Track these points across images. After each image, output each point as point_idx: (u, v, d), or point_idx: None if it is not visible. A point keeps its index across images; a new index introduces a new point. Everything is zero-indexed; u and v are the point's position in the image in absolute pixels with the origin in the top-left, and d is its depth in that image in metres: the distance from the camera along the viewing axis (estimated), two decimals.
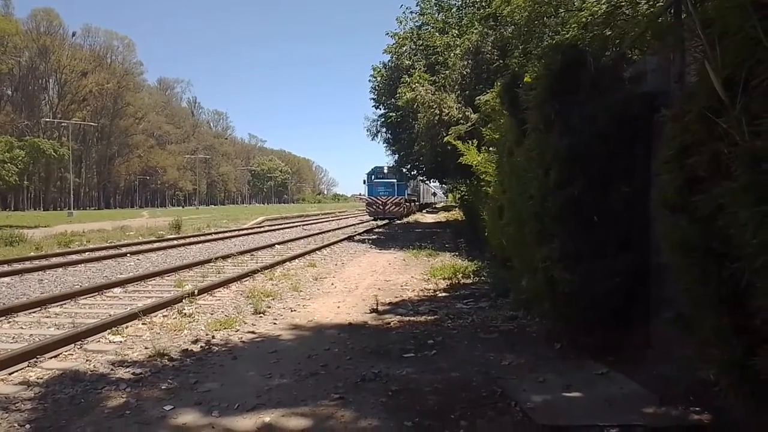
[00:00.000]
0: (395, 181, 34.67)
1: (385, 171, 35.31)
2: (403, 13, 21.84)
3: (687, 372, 3.57)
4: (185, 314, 7.14)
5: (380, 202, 35.10)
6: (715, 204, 2.43)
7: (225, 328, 6.39)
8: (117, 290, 9.12)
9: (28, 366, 4.96)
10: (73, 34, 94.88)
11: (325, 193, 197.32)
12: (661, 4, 5.76)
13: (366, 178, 36.56)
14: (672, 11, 4.45)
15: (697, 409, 3.47)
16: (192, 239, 20.05)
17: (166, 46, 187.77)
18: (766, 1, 2.19)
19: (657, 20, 5.16)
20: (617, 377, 4.22)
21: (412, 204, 43.15)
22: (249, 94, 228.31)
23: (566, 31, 8.46)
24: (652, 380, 4.01)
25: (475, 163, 10.84)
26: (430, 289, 9.26)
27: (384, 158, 38.67)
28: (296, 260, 13.60)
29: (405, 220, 36.95)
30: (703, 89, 2.60)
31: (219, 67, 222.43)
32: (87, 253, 15.09)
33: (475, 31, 15.98)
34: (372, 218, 35.62)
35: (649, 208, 4.35)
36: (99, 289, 8.99)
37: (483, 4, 16.74)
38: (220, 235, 22.42)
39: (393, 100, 21.32)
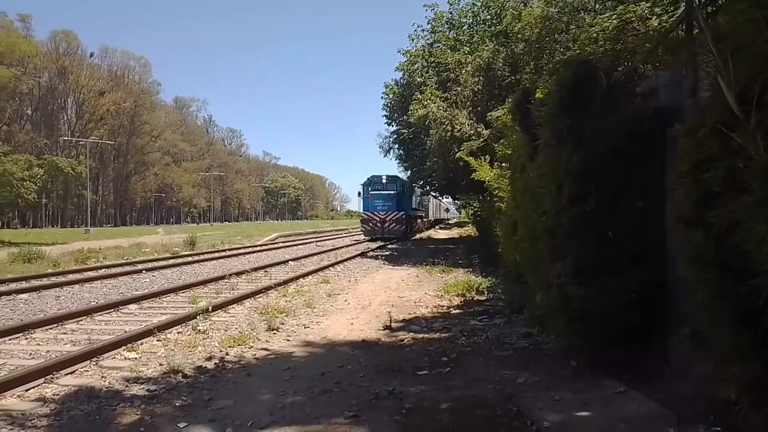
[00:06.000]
0: (395, 192, 28.80)
1: (384, 181, 29.24)
2: (415, 30, 22.02)
3: (706, 390, 3.51)
4: (199, 331, 7.17)
5: (378, 219, 28.55)
6: (731, 219, 2.41)
7: (239, 345, 6.41)
8: (132, 306, 9.19)
9: (44, 382, 5.00)
10: (91, 55, 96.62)
11: (338, 209, 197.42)
12: (672, 19, 5.77)
13: (361, 190, 29.66)
14: (684, 26, 4.46)
15: (717, 429, 3.39)
16: (206, 256, 20.16)
17: (183, 65, 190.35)
18: None
19: (669, 35, 5.17)
20: (634, 395, 4.14)
21: (419, 220, 37.50)
22: (263, 112, 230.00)
23: (577, 47, 8.48)
24: (670, 399, 3.93)
25: (487, 178, 10.85)
26: (443, 306, 9.21)
27: (396, 174, 34.17)
28: (310, 276, 13.62)
29: (417, 236, 34.71)
30: (716, 104, 2.60)
31: (234, 85, 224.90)
32: (103, 270, 15.24)
33: (486, 48, 16.05)
34: (368, 238, 28.91)
35: (663, 223, 4.31)
36: (115, 305, 9.07)
37: (494, 21, 16.86)
38: (234, 252, 22.51)
39: (405, 116, 21.40)
